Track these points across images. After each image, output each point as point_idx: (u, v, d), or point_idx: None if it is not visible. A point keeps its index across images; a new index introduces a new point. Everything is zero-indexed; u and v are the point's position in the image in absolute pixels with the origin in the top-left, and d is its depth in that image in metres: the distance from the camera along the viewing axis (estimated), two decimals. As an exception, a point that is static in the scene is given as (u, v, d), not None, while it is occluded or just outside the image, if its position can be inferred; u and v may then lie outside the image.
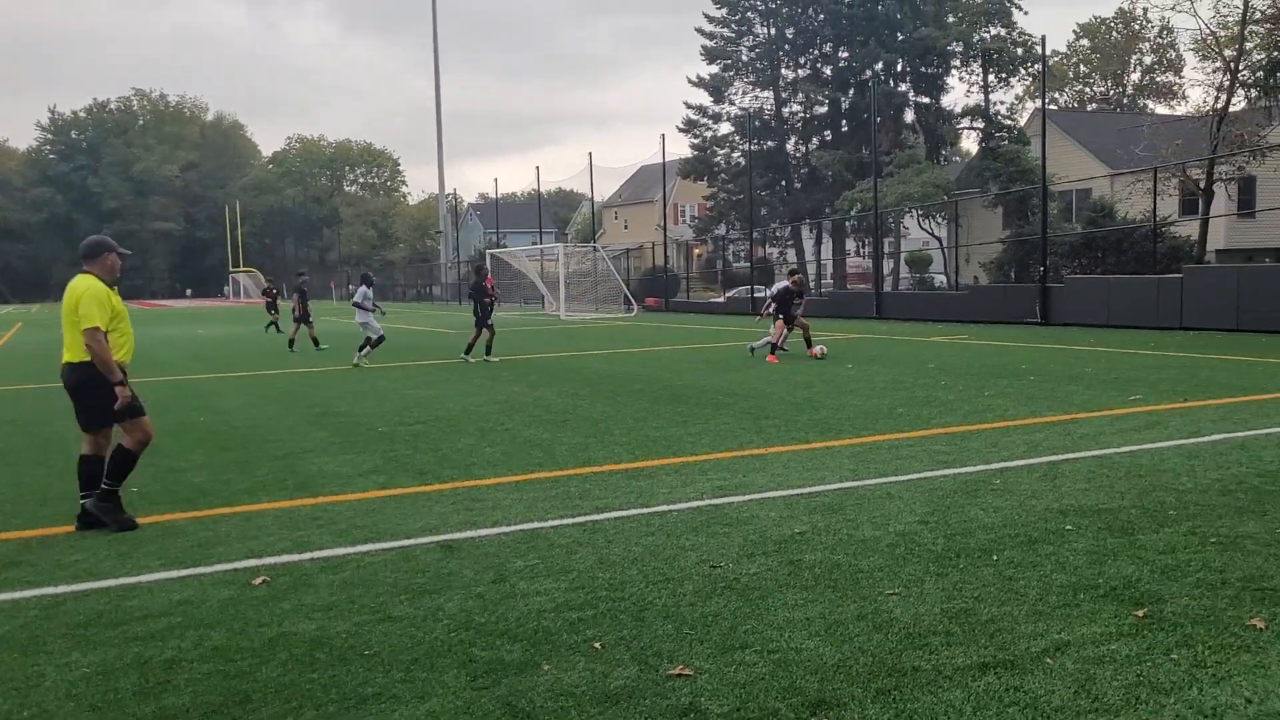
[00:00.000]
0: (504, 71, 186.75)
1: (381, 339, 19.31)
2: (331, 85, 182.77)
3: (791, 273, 20.00)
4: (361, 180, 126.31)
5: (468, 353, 19.31)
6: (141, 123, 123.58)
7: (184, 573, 5.60)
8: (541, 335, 28.91)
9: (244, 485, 7.99)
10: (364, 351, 18.93)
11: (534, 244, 57.81)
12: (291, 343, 24.22)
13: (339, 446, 9.73)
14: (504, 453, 9.11)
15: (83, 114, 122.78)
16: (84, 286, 6.69)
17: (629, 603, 4.86)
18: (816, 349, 17.94)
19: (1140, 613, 4.49)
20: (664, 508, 6.77)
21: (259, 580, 5.40)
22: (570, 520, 6.50)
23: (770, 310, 18.36)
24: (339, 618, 4.79)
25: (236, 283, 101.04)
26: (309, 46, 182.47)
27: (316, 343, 24.11)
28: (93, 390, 6.70)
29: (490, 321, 19.24)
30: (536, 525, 6.40)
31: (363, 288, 19.88)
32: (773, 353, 17.58)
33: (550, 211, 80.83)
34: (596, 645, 4.32)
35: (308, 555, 5.88)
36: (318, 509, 7.09)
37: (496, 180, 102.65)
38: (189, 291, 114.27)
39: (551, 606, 4.84)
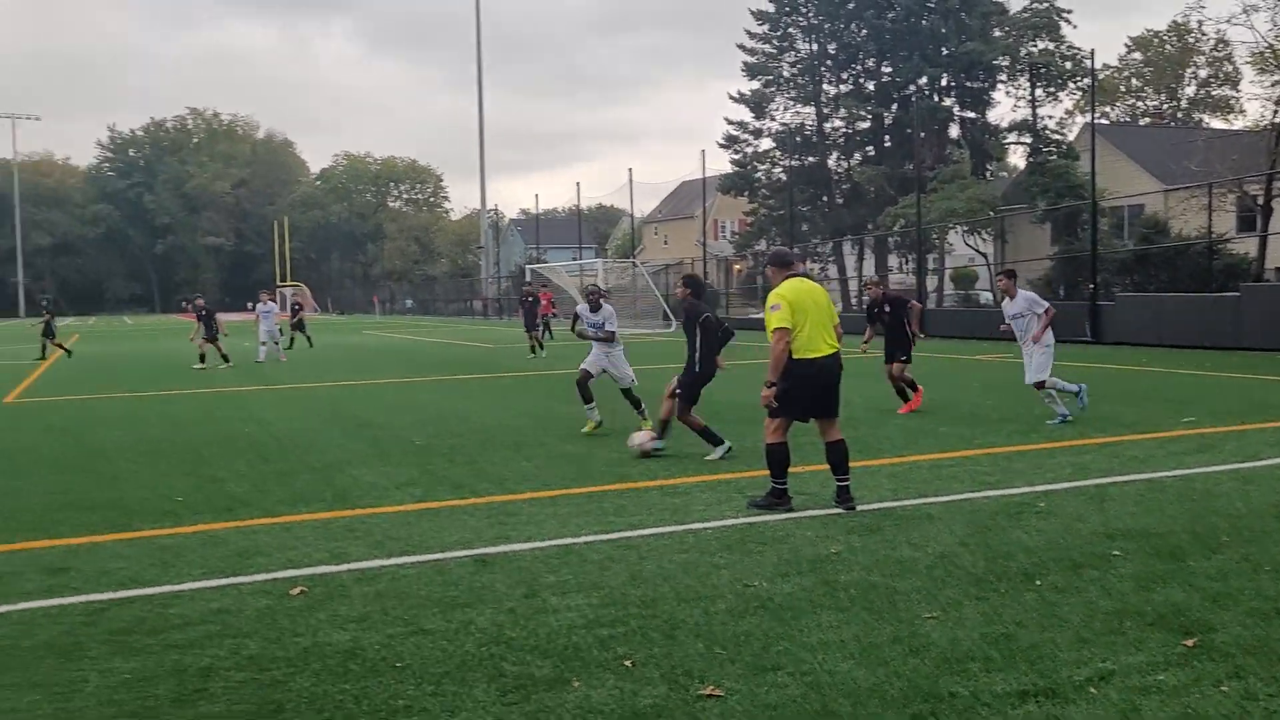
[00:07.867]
0: (526, 88, 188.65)
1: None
2: (360, 103, 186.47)
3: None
4: (406, 196, 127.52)
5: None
6: (196, 141, 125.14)
7: (223, 582, 5.64)
8: (581, 349, 28.88)
9: (283, 495, 8.05)
10: None
11: (574, 259, 57.96)
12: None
13: (376, 459, 9.78)
14: (538, 467, 9.10)
15: (140, 133, 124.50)
16: (821, 289, 7.20)
17: (660, 620, 4.81)
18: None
19: (1189, 642, 4.36)
20: (698, 525, 6.71)
21: (296, 590, 5.42)
22: (603, 536, 6.46)
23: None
24: (372, 629, 4.79)
25: (284, 296, 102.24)
26: (338, 64, 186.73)
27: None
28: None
29: None
30: (569, 540, 6.37)
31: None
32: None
33: (590, 227, 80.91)
34: (627, 663, 4.28)
35: (344, 566, 5.90)
36: (354, 520, 7.12)
37: (537, 196, 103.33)
38: (251, 305, 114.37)
39: (582, 622, 4.80)
